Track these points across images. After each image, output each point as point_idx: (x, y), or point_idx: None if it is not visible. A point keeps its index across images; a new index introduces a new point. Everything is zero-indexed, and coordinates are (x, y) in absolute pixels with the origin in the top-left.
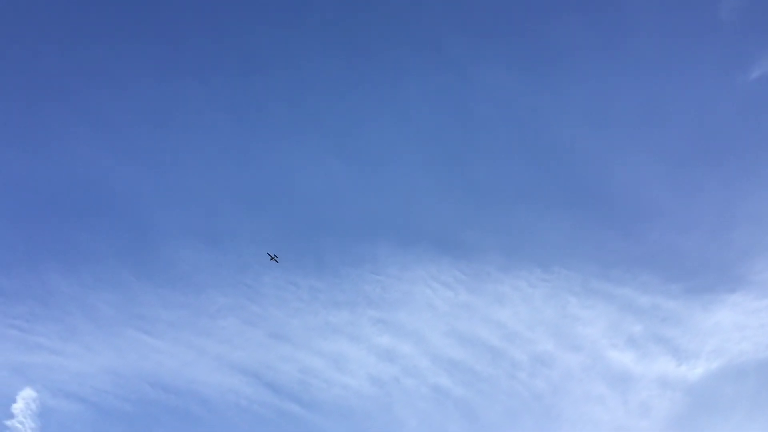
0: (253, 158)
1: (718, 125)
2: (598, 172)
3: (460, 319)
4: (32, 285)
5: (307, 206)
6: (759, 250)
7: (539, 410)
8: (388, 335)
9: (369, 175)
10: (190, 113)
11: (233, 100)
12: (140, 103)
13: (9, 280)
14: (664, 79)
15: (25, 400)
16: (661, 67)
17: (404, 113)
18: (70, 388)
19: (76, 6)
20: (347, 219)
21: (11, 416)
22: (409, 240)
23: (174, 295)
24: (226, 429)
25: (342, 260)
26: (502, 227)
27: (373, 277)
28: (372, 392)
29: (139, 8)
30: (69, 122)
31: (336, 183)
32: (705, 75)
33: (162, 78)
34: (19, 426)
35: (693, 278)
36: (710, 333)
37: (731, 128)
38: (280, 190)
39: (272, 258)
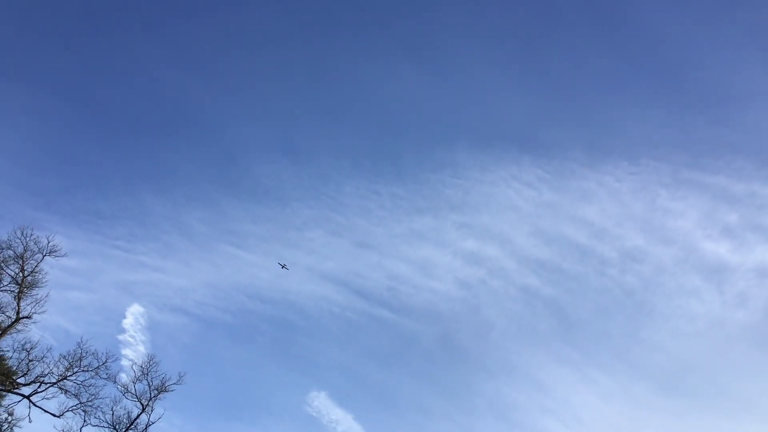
0: (326, 69)
1: None
2: (686, 55)
3: (544, 218)
4: (129, 207)
5: (383, 113)
6: None
7: (631, 306)
8: (472, 239)
9: (443, 77)
10: (265, 30)
11: (306, 12)
12: (217, 25)
13: (107, 203)
14: None
15: (134, 316)
16: None
17: (476, 7)
18: (174, 302)
19: None
20: (424, 123)
21: (123, 331)
22: (487, 141)
23: (260, 210)
24: (321, 335)
25: (421, 166)
26: (584, 121)
27: (453, 181)
28: (460, 295)
29: None
30: (154, 51)
31: (410, 87)
32: None
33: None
34: (131, 339)
35: None
36: None
37: None
38: (354, 100)
39: (283, 267)
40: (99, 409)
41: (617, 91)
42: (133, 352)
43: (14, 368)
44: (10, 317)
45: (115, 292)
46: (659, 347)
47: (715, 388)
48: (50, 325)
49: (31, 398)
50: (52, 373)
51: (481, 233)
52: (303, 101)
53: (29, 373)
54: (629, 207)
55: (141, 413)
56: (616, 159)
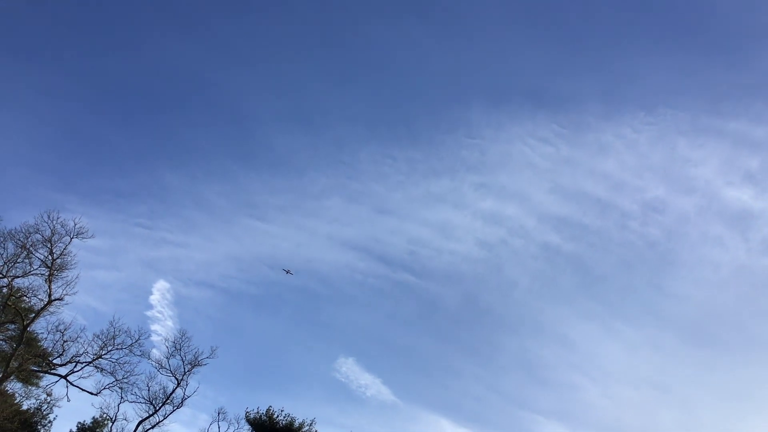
0: (334, 33)
1: None
2: None
3: (563, 174)
4: (148, 184)
5: (394, 75)
6: None
7: (654, 258)
8: (491, 199)
9: (452, 33)
10: None
11: None
12: None
13: (126, 181)
14: None
15: (160, 292)
16: None
17: None
18: (199, 277)
19: None
20: (435, 83)
21: (150, 307)
22: (501, 98)
23: (278, 180)
24: (345, 302)
25: (436, 127)
26: (598, 72)
27: (468, 141)
28: (481, 256)
29: None
30: (163, 26)
31: (419, 47)
32: None
33: None
34: (159, 315)
35: None
36: None
37: None
38: (364, 63)
39: (287, 272)
40: (135, 385)
41: (630, 38)
42: (161, 327)
43: (50, 349)
44: (42, 300)
45: (140, 269)
46: (685, 297)
47: (743, 337)
48: (79, 304)
49: (68, 378)
50: (87, 352)
51: (499, 193)
52: (313, 67)
53: (65, 354)
54: (648, 158)
55: (176, 388)
56: (633, 109)
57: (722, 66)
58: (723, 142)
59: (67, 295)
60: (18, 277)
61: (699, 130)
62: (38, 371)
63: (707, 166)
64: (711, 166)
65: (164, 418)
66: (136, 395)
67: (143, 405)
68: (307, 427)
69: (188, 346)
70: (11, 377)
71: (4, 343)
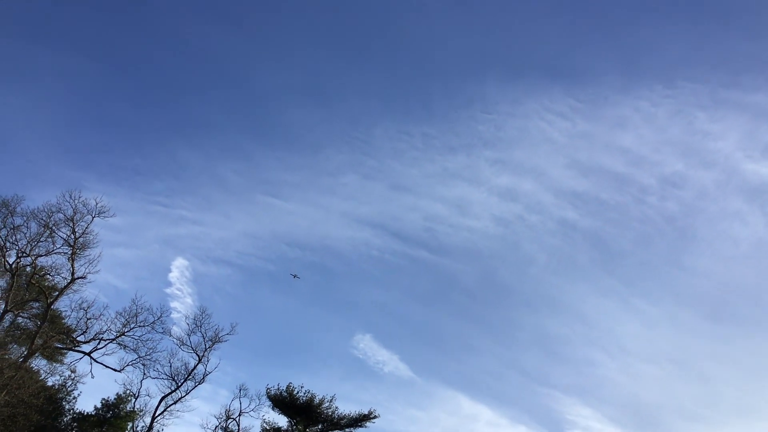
0: (348, 9)
1: None
2: None
3: (580, 149)
4: (165, 162)
5: (408, 49)
6: None
7: (673, 233)
8: (507, 174)
9: (466, 8)
10: None
11: None
12: None
13: (144, 159)
14: None
15: (179, 269)
16: None
17: None
18: (217, 254)
19: None
20: (450, 57)
21: (169, 284)
22: (516, 72)
23: (293, 158)
24: (362, 279)
25: (451, 103)
26: (615, 44)
27: (484, 116)
28: (498, 232)
29: None
30: (179, 4)
31: (435, 22)
32: None
33: None
34: (178, 292)
35: None
36: None
37: None
38: (378, 37)
39: (294, 276)
40: (157, 362)
41: (648, 10)
42: (181, 304)
43: (73, 327)
44: (65, 278)
45: (159, 247)
46: (704, 273)
47: (762, 311)
48: (101, 282)
49: (91, 355)
50: (110, 329)
51: (515, 168)
52: (328, 44)
53: (88, 331)
54: (666, 132)
55: (197, 364)
56: (651, 83)
57: (742, 38)
58: (742, 116)
59: (89, 273)
60: (41, 255)
61: (718, 104)
62: (62, 348)
63: (726, 140)
64: (730, 139)
65: (186, 394)
66: (159, 372)
67: (165, 381)
68: (327, 403)
69: (208, 323)
70: (36, 354)
71: (28, 320)
